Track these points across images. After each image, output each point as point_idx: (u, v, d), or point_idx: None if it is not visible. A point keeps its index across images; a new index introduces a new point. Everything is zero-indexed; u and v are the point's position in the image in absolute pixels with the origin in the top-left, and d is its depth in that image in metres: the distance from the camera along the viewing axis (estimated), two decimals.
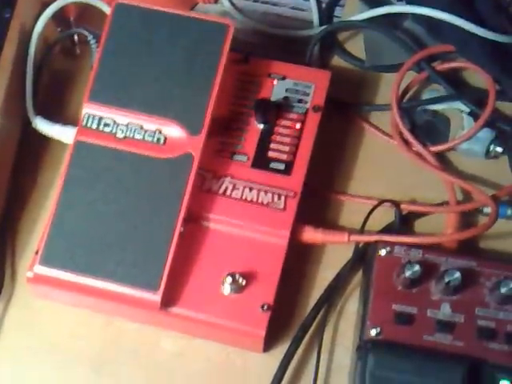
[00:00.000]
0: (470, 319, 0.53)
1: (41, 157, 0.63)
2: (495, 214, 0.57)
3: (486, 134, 0.62)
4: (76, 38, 0.66)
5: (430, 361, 0.51)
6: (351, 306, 0.57)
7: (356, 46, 0.67)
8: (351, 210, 0.60)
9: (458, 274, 0.52)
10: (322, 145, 0.60)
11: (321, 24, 0.67)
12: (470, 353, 0.51)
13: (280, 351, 0.55)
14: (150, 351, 0.57)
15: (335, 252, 0.59)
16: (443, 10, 0.63)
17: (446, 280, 0.52)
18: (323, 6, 0.68)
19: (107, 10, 0.63)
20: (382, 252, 0.55)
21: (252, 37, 0.67)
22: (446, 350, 0.52)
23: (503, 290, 0.52)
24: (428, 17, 0.64)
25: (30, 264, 0.56)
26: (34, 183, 0.62)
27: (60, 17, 0.64)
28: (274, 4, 0.69)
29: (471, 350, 0.52)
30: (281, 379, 0.54)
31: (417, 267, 0.53)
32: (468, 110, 0.63)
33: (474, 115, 0.62)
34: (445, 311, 0.53)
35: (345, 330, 0.57)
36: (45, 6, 0.63)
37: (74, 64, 0.66)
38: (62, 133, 0.62)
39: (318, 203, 0.60)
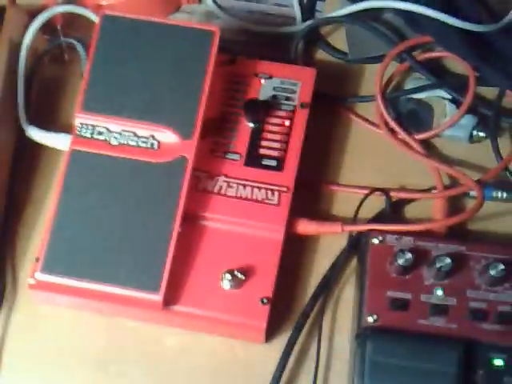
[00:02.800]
0: (462, 302, 0.54)
1: (36, 164, 0.64)
2: (481, 197, 0.58)
3: (469, 120, 0.63)
4: (64, 45, 0.66)
5: (426, 344, 0.52)
6: (348, 292, 0.59)
7: (339, 39, 0.68)
8: (343, 200, 0.62)
9: (448, 260, 0.53)
10: (311, 138, 0.61)
11: (303, 19, 0.68)
12: (463, 334, 0.53)
13: (281, 340, 0.56)
14: (154, 348, 0.58)
15: (330, 241, 0.60)
16: (421, 3, 0.64)
17: (438, 266, 0.53)
18: (304, 0, 0.69)
19: (94, 17, 0.64)
20: (375, 241, 0.56)
21: (237, 35, 0.67)
22: (441, 332, 0.53)
23: (492, 273, 0.53)
24: (407, 10, 0.65)
25: (31, 271, 0.56)
26: (31, 190, 0.63)
27: (47, 25, 0.65)
28: (258, 1, 0.69)
29: (465, 332, 0.53)
30: (284, 367, 0.55)
31: (409, 255, 0.54)
32: (450, 97, 0.64)
33: (455, 102, 0.63)
34: (438, 295, 0.54)
35: (343, 316, 0.58)
36: (32, 16, 0.64)
37: (64, 70, 0.67)
38: (55, 140, 0.63)
39: (310, 195, 0.62)
